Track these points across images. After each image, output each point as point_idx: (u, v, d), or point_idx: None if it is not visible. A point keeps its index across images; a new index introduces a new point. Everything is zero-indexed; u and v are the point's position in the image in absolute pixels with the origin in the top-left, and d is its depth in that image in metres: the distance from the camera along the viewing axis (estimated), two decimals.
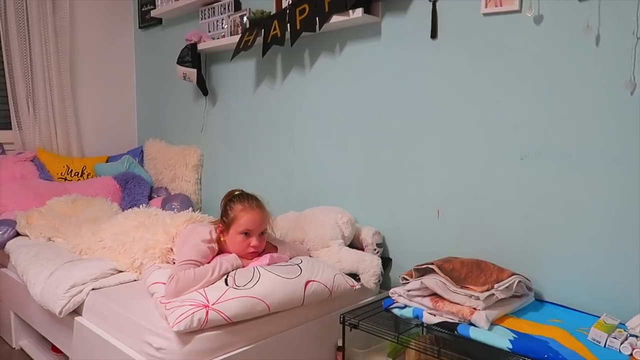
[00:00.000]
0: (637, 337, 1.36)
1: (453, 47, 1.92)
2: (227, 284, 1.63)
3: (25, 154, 3.12)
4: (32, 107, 3.26)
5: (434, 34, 1.97)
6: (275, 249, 1.94)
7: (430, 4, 1.95)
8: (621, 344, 1.33)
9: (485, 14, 1.81)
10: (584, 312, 1.59)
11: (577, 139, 1.63)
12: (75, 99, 3.47)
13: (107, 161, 3.39)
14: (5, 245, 2.41)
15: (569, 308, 1.63)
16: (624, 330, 1.39)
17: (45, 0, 3.23)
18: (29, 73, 3.23)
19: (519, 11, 1.73)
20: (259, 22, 2.46)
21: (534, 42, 1.71)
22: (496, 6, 1.77)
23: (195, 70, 2.90)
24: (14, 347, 2.46)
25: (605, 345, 1.35)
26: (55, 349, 2.25)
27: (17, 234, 2.48)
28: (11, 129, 3.23)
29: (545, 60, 1.69)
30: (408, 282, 1.63)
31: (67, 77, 3.38)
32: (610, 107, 1.56)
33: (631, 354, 1.30)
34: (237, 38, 2.58)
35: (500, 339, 1.38)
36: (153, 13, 3.30)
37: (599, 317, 1.47)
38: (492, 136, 1.84)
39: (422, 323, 1.58)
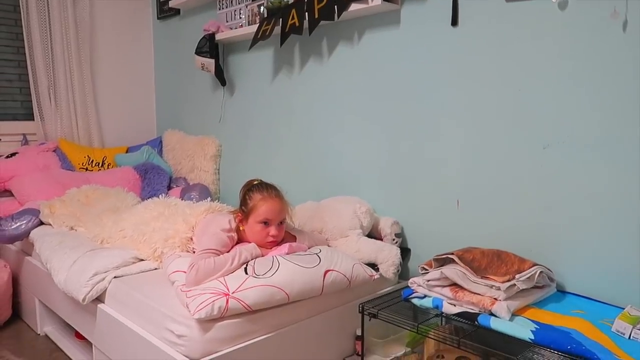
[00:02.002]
0: None
1: (474, 34, 1.89)
2: (246, 273, 1.64)
3: (47, 144, 3.17)
4: (54, 98, 3.31)
5: (454, 21, 1.94)
6: (293, 238, 1.95)
7: None
8: None
9: (507, 0, 1.78)
10: (608, 304, 1.56)
11: (602, 128, 1.60)
12: (95, 89, 3.52)
13: (127, 151, 3.43)
14: (29, 233, 2.46)
15: (592, 299, 1.61)
16: None
17: None
18: (50, 64, 3.28)
19: None
20: (277, 11, 2.45)
21: (559, 29, 1.67)
22: None
23: (213, 61, 2.91)
24: (38, 333, 2.51)
25: (629, 337, 1.33)
26: (78, 336, 2.30)
27: (41, 223, 2.52)
28: (33, 119, 3.28)
29: (570, 47, 1.65)
30: (427, 272, 1.62)
31: (88, 68, 3.42)
32: (637, 95, 1.52)
33: None
34: (255, 28, 2.58)
35: (522, 330, 1.37)
36: (171, 4, 3.31)
37: (623, 308, 1.45)
38: (514, 125, 1.81)
39: (442, 313, 1.57)
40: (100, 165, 3.29)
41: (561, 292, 1.67)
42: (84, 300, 1.87)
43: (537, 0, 1.70)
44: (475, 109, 1.91)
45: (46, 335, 2.49)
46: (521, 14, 1.75)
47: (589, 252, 1.65)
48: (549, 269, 1.62)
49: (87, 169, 3.23)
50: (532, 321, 1.42)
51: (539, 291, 1.58)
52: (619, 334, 1.35)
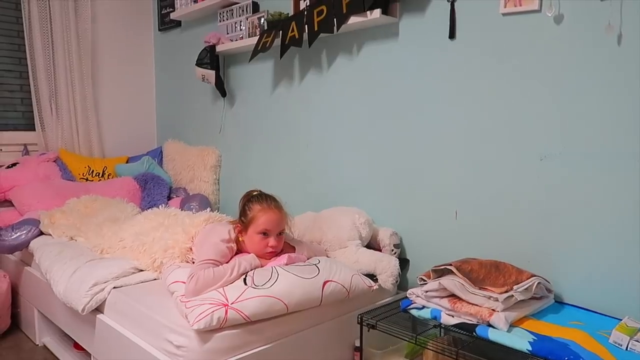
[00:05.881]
0: None
1: (471, 47, 1.91)
2: (245, 284, 1.65)
3: (48, 154, 3.18)
4: (55, 108, 3.32)
5: (452, 35, 1.96)
6: (293, 249, 1.95)
7: (449, 4, 1.95)
8: None
9: (504, 14, 1.80)
10: (605, 315, 1.57)
11: (598, 140, 1.61)
12: (96, 100, 3.53)
13: (127, 162, 3.44)
14: (29, 244, 2.46)
15: (590, 310, 1.61)
16: None
17: (67, 3, 3.30)
18: (51, 75, 3.30)
19: (539, 11, 1.71)
20: (277, 23, 2.48)
21: (554, 42, 1.69)
22: (515, 6, 1.76)
23: (213, 72, 2.94)
24: (37, 344, 2.50)
25: (627, 349, 1.34)
26: (77, 346, 2.29)
27: (41, 233, 2.53)
28: (35, 130, 3.30)
29: (565, 60, 1.67)
30: (426, 283, 1.63)
31: (89, 78, 3.44)
32: (632, 107, 1.53)
33: None
34: (255, 40, 2.60)
35: (520, 341, 1.37)
36: (172, 15, 3.34)
37: (621, 319, 1.46)
38: (511, 136, 1.82)
39: (440, 324, 1.58)
40: (100, 175, 3.30)
41: (559, 303, 1.67)
42: (83, 310, 1.87)
43: (533, 14, 1.73)
44: (473, 120, 1.93)
45: (45, 346, 2.48)
46: (517, 27, 1.78)
47: (587, 263, 1.66)
48: (546, 280, 1.62)
49: (87, 179, 3.24)
50: (530, 332, 1.42)
51: (536, 302, 1.58)
52: (617, 345, 1.36)
